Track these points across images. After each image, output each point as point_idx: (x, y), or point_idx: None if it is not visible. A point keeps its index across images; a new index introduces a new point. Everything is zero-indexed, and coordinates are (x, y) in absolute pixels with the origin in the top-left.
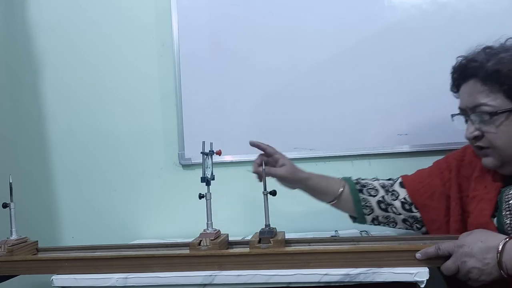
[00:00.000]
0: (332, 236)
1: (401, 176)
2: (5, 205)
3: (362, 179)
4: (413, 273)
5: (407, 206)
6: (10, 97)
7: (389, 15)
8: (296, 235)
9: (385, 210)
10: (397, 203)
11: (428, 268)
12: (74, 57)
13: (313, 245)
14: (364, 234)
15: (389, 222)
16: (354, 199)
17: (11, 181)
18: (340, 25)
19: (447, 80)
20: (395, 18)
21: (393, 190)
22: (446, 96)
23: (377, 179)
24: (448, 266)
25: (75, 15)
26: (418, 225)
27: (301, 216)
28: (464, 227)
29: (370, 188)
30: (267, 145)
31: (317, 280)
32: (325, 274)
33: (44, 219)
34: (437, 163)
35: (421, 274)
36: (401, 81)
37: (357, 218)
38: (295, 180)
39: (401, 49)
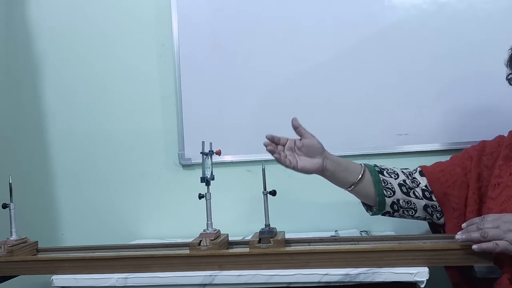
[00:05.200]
0: (332, 236)
1: (419, 166)
2: (5, 206)
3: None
4: (413, 273)
5: (427, 194)
6: (10, 97)
7: (389, 15)
8: (296, 235)
9: (407, 194)
10: (418, 190)
11: (428, 268)
12: (74, 57)
13: (313, 245)
14: (364, 234)
15: (409, 208)
16: (375, 180)
17: (11, 182)
18: (340, 26)
19: (447, 80)
20: (395, 18)
21: (413, 178)
22: (446, 96)
23: (395, 167)
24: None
25: (75, 15)
26: (438, 215)
27: (301, 216)
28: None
29: (390, 172)
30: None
31: (317, 280)
32: (325, 274)
33: (44, 219)
34: (456, 156)
35: (421, 274)
36: (401, 81)
37: (377, 204)
38: (320, 151)
39: (401, 49)
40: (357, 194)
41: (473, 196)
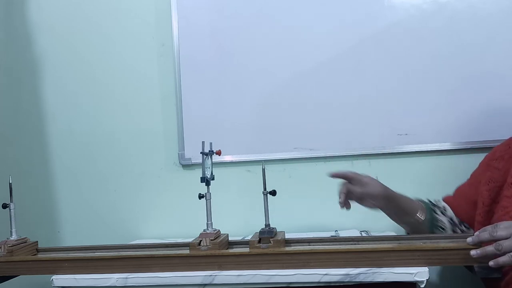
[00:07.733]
0: (332, 236)
1: (443, 199)
2: (5, 206)
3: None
4: (413, 273)
5: (460, 226)
6: (10, 97)
7: (389, 15)
8: (296, 235)
9: (453, 230)
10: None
11: (428, 268)
12: (74, 57)
13: (313, 245)
14: (364, 234)
15: None
16: (429, 218)
17: (11, 182)
18: (340, 25)
19: (447, 80)
20: (395, 18)
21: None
22: (446, 96)
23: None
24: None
25: (75, 15)
26: None
27: (301, 216)
28: (487, 220)
29: (439, 207)
30: (348, 172)
31: (317, 280)
32: (325, 274)
33: (44, 219)
34: (473, 173)
35: (421, 274)
36: (400, 81)
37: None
38: (386, 195)
39: (401, 49)
40: (409, 229)
41: (480, 199)
